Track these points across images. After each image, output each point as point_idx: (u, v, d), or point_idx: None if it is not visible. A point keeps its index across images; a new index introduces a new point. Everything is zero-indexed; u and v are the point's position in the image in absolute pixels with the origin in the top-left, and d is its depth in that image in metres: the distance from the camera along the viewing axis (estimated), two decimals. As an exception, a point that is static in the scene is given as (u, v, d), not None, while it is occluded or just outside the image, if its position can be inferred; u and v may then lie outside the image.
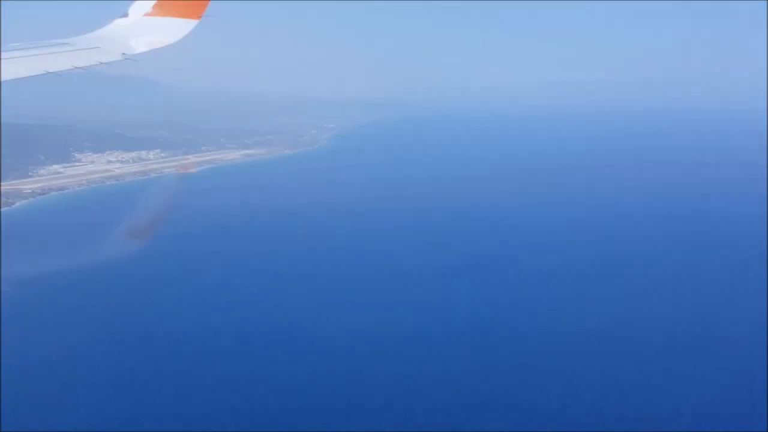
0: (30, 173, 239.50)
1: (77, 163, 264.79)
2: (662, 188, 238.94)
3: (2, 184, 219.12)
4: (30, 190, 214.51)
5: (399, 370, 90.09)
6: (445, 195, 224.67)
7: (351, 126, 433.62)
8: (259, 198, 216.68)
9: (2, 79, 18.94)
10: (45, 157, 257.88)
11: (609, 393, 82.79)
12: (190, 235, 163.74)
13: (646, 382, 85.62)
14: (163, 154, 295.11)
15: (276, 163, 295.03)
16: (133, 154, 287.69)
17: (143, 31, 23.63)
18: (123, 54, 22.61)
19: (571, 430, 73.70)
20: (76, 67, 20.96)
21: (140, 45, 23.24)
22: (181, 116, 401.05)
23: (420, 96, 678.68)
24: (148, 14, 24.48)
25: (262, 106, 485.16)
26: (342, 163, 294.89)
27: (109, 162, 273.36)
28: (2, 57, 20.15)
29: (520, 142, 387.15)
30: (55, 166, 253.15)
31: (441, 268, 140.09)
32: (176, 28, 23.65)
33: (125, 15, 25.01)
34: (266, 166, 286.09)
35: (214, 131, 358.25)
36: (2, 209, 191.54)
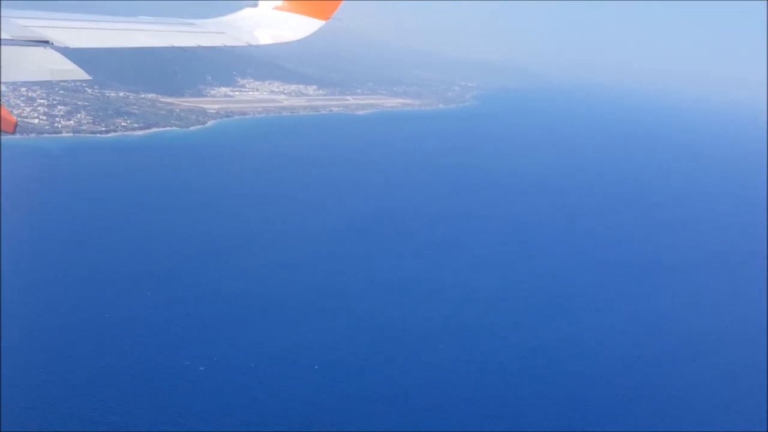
0: (203, 93, 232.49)
1: (243, 89, 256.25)
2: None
3: (181, 100, 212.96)
4: (214, 111, 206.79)
5: None
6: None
7: (491, 88, 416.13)
8: (446, 145, 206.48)
9: (130, 47, 19.82)
10: (212, 78, 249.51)
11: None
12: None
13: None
14: (320, 91, 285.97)
15: (439, 115, 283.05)
16: (293, 87, 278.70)
17: (269, 24, 23.46)
18: (247, 42, 22.56)
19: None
20: (201, 46, 21.09)
21: (265, 37, 22.97)
22: (318, 54, 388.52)
23: (547, 66, 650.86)
24: (277, 7, 24.16)
25: (393, 57, 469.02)
26: (504, 123, 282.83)
27: (273, 92, 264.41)
28: (133, 27, 20.97)
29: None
30: (223, 89, 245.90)
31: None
32: (303, 25, 23.34)
33: (255, 5, 24.62)
34: (431, 117, 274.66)
35: (360, 75, 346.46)
36: (197, 127, 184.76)
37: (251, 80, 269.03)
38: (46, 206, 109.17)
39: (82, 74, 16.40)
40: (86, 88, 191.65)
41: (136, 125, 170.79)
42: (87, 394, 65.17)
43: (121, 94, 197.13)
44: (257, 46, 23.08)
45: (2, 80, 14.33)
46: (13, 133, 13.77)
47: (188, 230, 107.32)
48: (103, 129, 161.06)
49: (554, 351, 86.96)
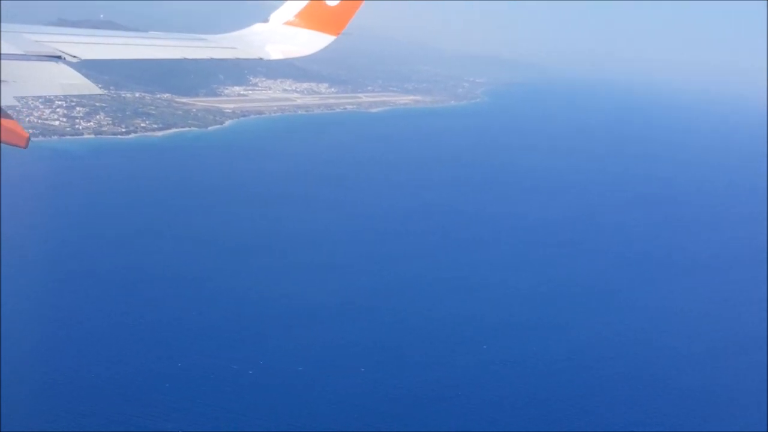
0: (217, 92, 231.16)
1: (255, 87, 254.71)
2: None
3: (196, 100, 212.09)
4: (230, 110, 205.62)
5: None
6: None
7: (500, 84, 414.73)
8: (473, 145, 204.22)
9: (142, 58, 20.07)
10: (224, 77, 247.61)
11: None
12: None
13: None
14: (332, 89, 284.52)
15: (452, 112, 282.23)
16: (305, 85, 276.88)
17: (280, 39, 23.54)
18: (258, 57, 22.84)
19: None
20: (213, 58, 21.46)
21: (275, 52, 23.29)
22: (325, 51, 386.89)
23: (553, 61, 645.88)
24: (288, 22, 24.07)
25: (399, 53, 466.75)
26: (518, 119, 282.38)
27: (285, 90, 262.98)
28: (144, 42, 21.12)
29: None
30: (236, 88, 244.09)
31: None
32: (313, 40, 23.55)
33: (266, 20, 24.60)
34: (445, 114, 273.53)
35: (370, 72, 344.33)
36: (215, 127, 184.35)
37: (263, 79, 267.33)
38: (76, 207, 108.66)
39: (93, 89, 16.59)
40: (102, 90, 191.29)
41: (156, 126, 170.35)
42: (136, 398, 64.40)
43: (137, 94, 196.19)
44: (269, 61, 23.14)
45: (14, 94, 14.11)
46: (26, 147, 13.39)
47: (220, 231, 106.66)
48: (123, 130, 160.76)
49: (595, 351, 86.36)
